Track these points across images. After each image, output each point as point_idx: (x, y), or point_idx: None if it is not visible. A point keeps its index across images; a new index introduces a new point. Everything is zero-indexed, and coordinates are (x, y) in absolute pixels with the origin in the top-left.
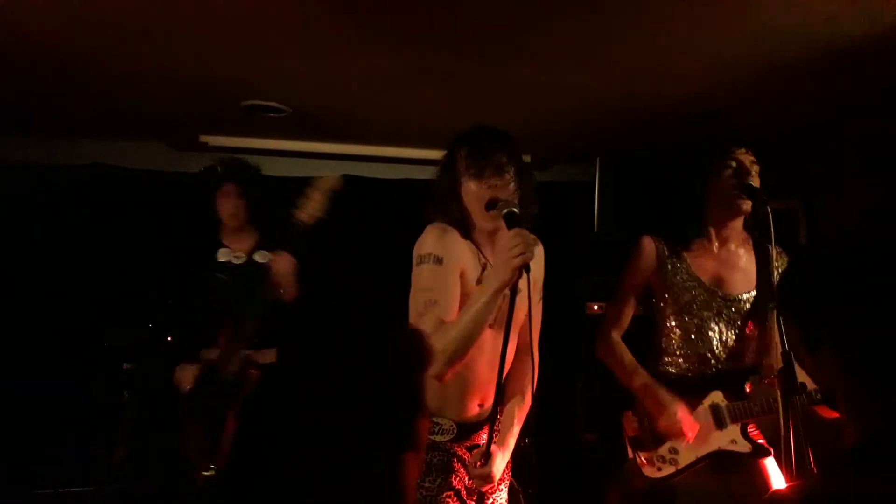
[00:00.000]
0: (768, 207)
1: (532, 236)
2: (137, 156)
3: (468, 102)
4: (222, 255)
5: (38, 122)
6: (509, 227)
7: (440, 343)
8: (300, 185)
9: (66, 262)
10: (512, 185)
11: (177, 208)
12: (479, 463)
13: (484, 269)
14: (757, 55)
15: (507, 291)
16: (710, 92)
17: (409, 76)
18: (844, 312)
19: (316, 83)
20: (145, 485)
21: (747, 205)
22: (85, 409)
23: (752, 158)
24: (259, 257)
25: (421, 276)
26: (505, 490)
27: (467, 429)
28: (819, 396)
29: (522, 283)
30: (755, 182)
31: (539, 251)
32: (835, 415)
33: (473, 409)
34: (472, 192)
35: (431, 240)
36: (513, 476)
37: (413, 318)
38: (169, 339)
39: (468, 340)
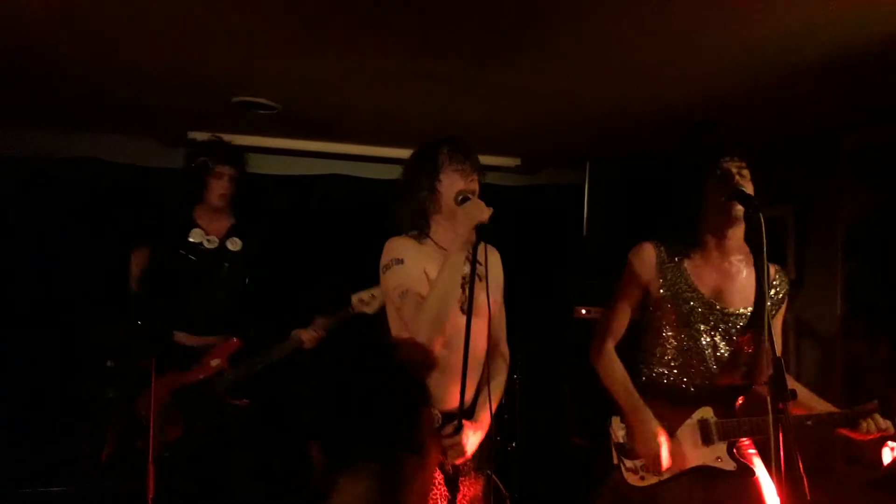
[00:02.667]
0: (761, 214)
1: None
2: (125, 150)
3: (458, 104)
4: (195, 236)
5: (27, 114)
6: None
7: (422, 313)
8: (289, 183)
9: (51, 255)
10: (477, 187)
11: (162, 202)
12: (449, 430)
13: (465, 279)
14: (749, 64)
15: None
16: (703, 99)
17: (400, 77)
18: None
19: (306, 81)
20: (132, 483)
21: (739, 210)
22: (67, 406)
23: (742, 164)
24: (231, 245)
25: (388, 278)
26: (482, 482)
27: (451, 417)
28: (809, 423)
29: (490, 279)
30: (748, 189)
31: (496, 258)
32: (865, 436)
33: (454, 396)
34: (453, 183)
35: (390, 249)
36: (499, 480)
37: (392, 317)
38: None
39: (442, 304)
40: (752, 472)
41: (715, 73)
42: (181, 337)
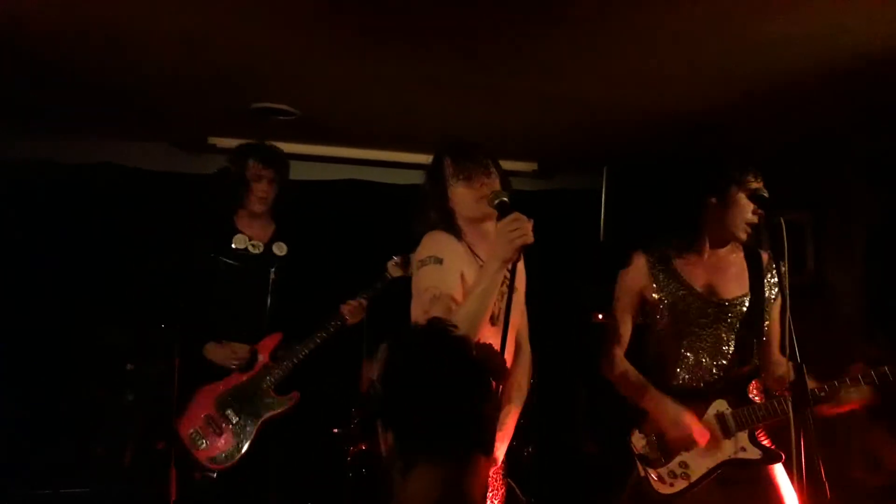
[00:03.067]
0: (782, 219)
1: (529, 223)
2: (144, 156)
3: (475, 109)
4: (238, 242)
5: (46, 120)
6: (503, 214)
7: (438, 308)
8: (308, 188)
9: (70, 260)
10: (497, 182)
11: (183, 209)
12: None
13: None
14: (764, 67)
15: (504, 289)
16: (718, 103)
17: (418, 83)
18: None
19: (325, 87)
20: (151, 485)
21: (746, 233)
22: (85, 409)
23: (756, 173)
24: (277, 249)
25: (423, 276)
26: (503, 489)
27: None
28: (822, 394)
29: (518, 282)
30: (764, 192)
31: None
32: (839, 409)
33: None
34: (463, 194)
35: (430, 244)
36: (517, 485)
37: (418, 318)
38: (163, 326)
39: (475, 319)
40: (780, 456)
41: (732, 77)
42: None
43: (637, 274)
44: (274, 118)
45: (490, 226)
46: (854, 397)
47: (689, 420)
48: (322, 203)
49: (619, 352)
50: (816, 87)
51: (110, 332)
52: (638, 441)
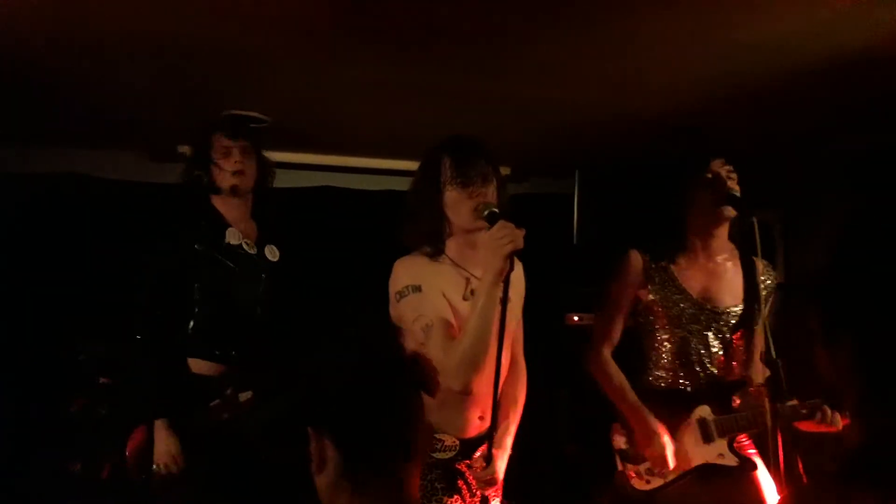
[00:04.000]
0: (754, 218)
1: (519, 230)
2: (113, 165)
3: (449, 114)
4: (232, 237)
5: (11, 129)
6: (493, 225)
7: (457, 356)
8: (280, 196)
9: (37, 272)
10: (493, 192)
11: (153, 219)
12: (481, 466)
13: (468, 282)
14: (738, 69)
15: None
16: (691, 105)
17: (391, 88)
18: (870, 309)
19: (297, 94)
20: (128, 499)
21: (728, 212)
22: (59, 424)
23: (730, 167)
24: (270, 253)
25: (406, 308)
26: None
27: (470, 445)
28: (804, 412)
29: (512, 293)
30: (737, 189)
31: (519, 267)
32: (815, 429)
33: (474, 423)
34: (457, 199)
35: (403, 273)
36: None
37: (409, 341)
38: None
39: (482, 343)
40: (755, 465)
41: (702, 80)
42: (196, 365)
43: (633, 273)
44: (245, 126)
45: (481, 236)
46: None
47: (663, 440)
48: (296, 211)
49: (607, 351)
50: (788, 89)
51: (82, 346)
52: (618, 436)
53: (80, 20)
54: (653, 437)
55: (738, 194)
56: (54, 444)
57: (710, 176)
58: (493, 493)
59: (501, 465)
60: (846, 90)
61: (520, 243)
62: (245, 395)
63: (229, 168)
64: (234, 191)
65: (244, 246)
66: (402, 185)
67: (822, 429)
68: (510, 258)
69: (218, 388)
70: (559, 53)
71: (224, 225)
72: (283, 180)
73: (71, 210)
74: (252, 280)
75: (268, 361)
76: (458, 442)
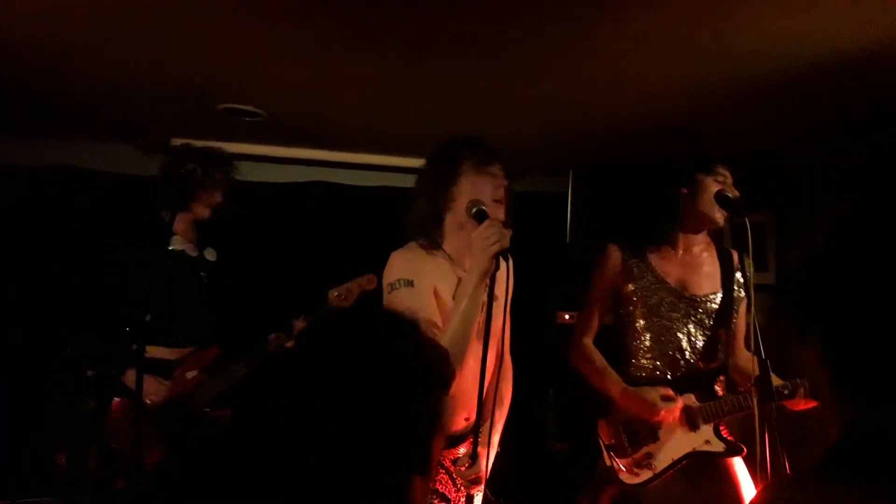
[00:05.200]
0: (747, 220)
1: (506, 230)
2: (106, 158)
3: (441, 112)
4: (177, 243)
5: (3, 121)
6: (479, 222)
7: None
8: (274, 191)
9: (29, 265)
10: (504, 186)
11: (143, 211)
12: (466, 465)
13: (460, 281)
14: (729, 72)
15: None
16: (684, 106)
17: (386, 84)
18: (834, 307)
19: (292, 88)
20: (114, 494)
21: (722, 216)
22: (44, 416)
23: (725, 169)
24: (209, 254)
25: (395, 301)
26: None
27: (453, 440)
28: (786, 392)
29: (499, 292)
30: (731, 192)
31: (507, 266)
32: (802, 406)
33: (460, 424)
34: (476, 182)
35: (398, 265)
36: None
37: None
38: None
39: (463, 339)
40: (741, 449)
41: (694, 81)
42: (156, 351)
43: (611, 266)
44: (240, 119)
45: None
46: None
47: (655, 396)
48: (289, 205)
49: (588, 340)
50: (779, 92)
51: (70, 339)
52: (605, 431)
53: (71, 13)
54: (646, 399)
55: (731, 196)
56: (40, 436)
57: (704, 177)
58: (478, 490)
59: (486, 463)
60: (836, 94)
61: (506, 243)
62: (192, 374)
63: (212, 202)
64: (200, 217)
65: (186, 251)
66: (395, 180)
67: (804, 405)
68: (496, 258)
69: (173, 369)
70: (553, 53)
71: (170, 234)
72: (275, 175)
73: (64, 203)
74: (194, 278)
75: (213, 344)
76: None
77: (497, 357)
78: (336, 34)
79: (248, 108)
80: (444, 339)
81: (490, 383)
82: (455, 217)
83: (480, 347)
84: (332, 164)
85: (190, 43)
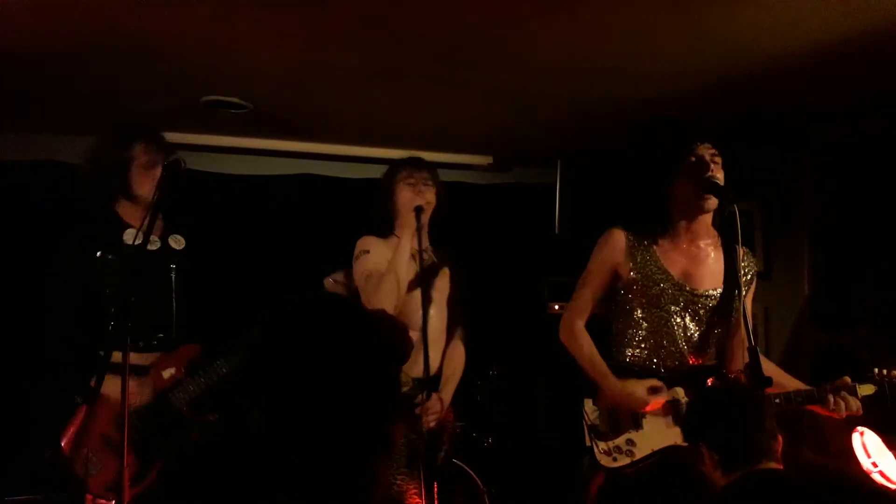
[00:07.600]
0: (735, 206)
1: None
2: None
3: (430, 103)
4: (130, 237)
5: None
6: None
7: (381, 286)
8: (260, 183)
9: (16, 261)
10: (433, 193)
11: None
12: (421, 397)
13: (414, 257)
14: (717, 59)
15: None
16: (671, 95)
17: (372, 76)
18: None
19: (278, 80)
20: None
21: (712, 202)
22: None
23: (714, 151)
24: (175, 243)
25: (357, 266)
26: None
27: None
28: (777, 401)
29: (435, 294)
30: (719, 177)
31: (444, 274)
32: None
33: (418, 368)
34: (408, 197)
35: (360, 244)
36: (477, 475)
37: (365, 301)
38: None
39: (396, 273)
40: None
41: (682, 70)
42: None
43: (614, 250)
44: (225, 112)
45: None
46: (843, 409)
47: (634, 388)
48: (275, 197)
49: (580, 321)
50: (764, 81)
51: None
52: (590, 411)
53: (55, 6)
54: (624, 391)
55: (720, 182)
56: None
57: (693, 160)
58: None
59: (441, 403)
60: (825, 81)
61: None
62: (168, 372)
63: (148, 180)
64: (141, 199)
65: (149, 245)
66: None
67: (840, 415)
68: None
69: (144, 373)
70: (540, 43)
71: (121, 227)
72: (261, 167)
73: (50, 198)
74: (161, 273)
75: (191, 341)
76: (411, 378)
77: (445, 315)
78: (322, 26)
79: (234, 100)
80: (384, 280)
81: (440, 334)
82: (399, 217)
83: (421, 341)
84: (319, 156)
85: (175, 35)
